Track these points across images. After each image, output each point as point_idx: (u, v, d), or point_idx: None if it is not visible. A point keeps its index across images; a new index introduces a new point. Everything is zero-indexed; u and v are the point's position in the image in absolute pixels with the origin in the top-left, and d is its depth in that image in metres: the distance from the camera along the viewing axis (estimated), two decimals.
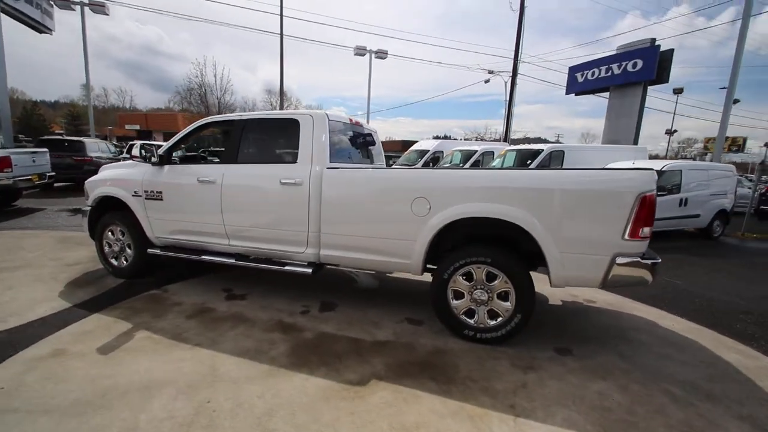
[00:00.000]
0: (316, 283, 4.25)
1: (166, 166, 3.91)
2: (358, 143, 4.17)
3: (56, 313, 3.30)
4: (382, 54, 19.67)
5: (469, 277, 2.95)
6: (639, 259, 2.56)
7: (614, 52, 20.81)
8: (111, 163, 7.52)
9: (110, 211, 4.27)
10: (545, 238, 2.67)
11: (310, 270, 3.36)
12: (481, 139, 38.59)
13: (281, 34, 18.40)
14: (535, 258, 2.97)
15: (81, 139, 11.42)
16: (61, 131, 33.97)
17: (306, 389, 2.30)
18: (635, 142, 19.22)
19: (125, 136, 35.91)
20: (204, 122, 3.91)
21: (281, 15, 18.20)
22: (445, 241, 3.09)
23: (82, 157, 10.72)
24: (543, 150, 9.81)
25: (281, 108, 21.23)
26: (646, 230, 2.54)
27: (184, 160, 4.11)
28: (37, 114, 40.51)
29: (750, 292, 4.81)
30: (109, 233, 4.26)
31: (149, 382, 2.32)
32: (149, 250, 4.06)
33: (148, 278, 4.26)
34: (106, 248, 4.30)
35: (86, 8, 15.29)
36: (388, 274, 4.77)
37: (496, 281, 2.87)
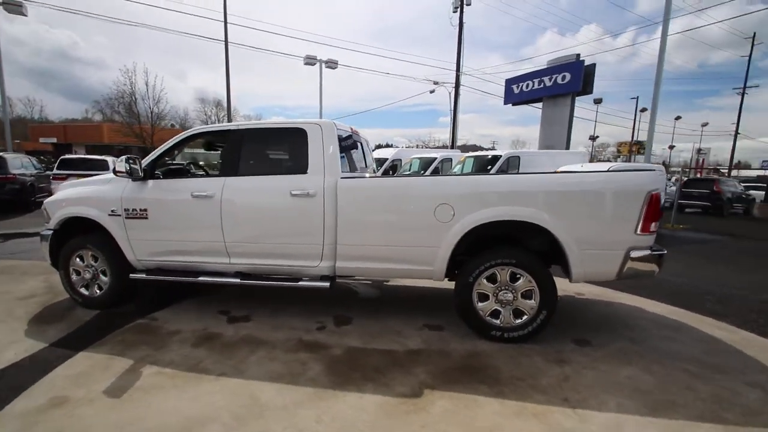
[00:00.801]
0: (320, 298, 4.09)
1: (150, 182, 3.55)
2: (356, 152, 4.12)
3: (31, 356, 2.83)
4: (332, 63, 19.62)
5: (492, 279, 3.03)
6: (650, 252, 2.81)
7: (544, 66, 22.59)
8: (50, 180, 6.66)
9: (78, 235, 3.77)
10: (566, 237, 2.83)
11: (327, 284, 3.23)
12: (426, 147, 39.91)
13: (226, 41, 17.63)
14: (549, 256, 3.14)
15: (1, 154, 9.94)
16: None
17: (364, 407, 2.20)
18: (567, 147, 21.02)
19: (38, 151, 31.88)
20: (192, 133, 3.62)
21: (225, 21, 17.45)
22: (459, 245, 3.14)
23: (4, 176, 9.34)
24: (501, 156, 10.40)
25: (229, 120, 20.21)
26: (654, 225, 2.80)
27: (169, 174, 3.76)
28: None
29: (699, 276, 5.47)
30: (77, 259, 3.75)
31: (187, 422, 2.07)
32: (132, 276, 3.63)
33: (125, 307, 3.80)
34: (74, 276, 3.78)
35: None
36: (385, 283, 4.74)
37: (519, 281, 2.98)
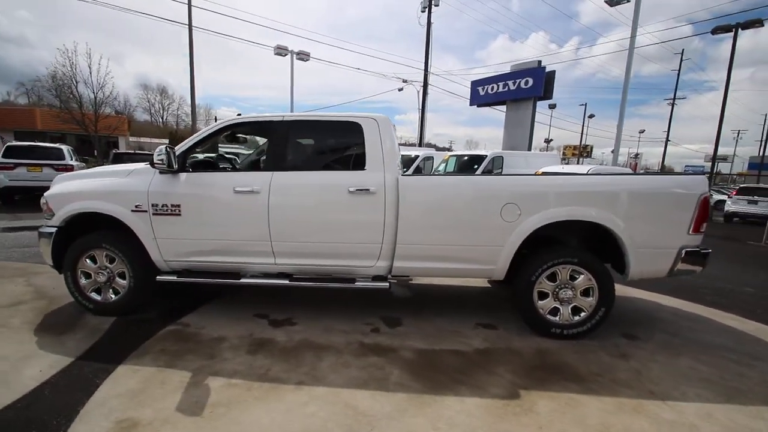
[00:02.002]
0: (355, 299, 3.95)
1: (183, 175, 3.21)
2: None
3: (61, 372, 2.46)
4: (304, 55, 19.03)
5: (552, 277, 3.09)
6: (700, 250, 3.01)
7: (508, 71, 23.48)
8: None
9: (88, 232, 3.33)
10: (627, 237, 2.96)
11: (387, 285, 3.12)
12: None
13: (190, 25, 16.47)
14: (600, 254, 3.27)
15: None
16: None
17: (470, 411, 2.15)
18: (529, 149, 22.08)
19: None
20: (233, 122, 3.32)
21: (189, 3, 16.29)
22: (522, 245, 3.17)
23: None
24: (486, 155, 10.71)
25: (192, 112, 18.89)
26: (703, 225, 3.01)
27: (199, 167, 3.43)
28: None
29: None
30: (88, 261, 3.31)
31: None
32: (159, 278, 3.28)
33: (141, 313, 3.43)
34: (83, 280, 3.34)
35: None
36: (409, 281, 4.68)
37: (578, 279, 3.07)
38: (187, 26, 16.17)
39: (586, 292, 3.09)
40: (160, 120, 58.99)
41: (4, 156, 9.10)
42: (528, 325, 3.20)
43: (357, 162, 3.16)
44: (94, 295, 3.36)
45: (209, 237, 3.20)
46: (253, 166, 4.28)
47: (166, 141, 45.40)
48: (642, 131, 52.76)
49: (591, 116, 40.72)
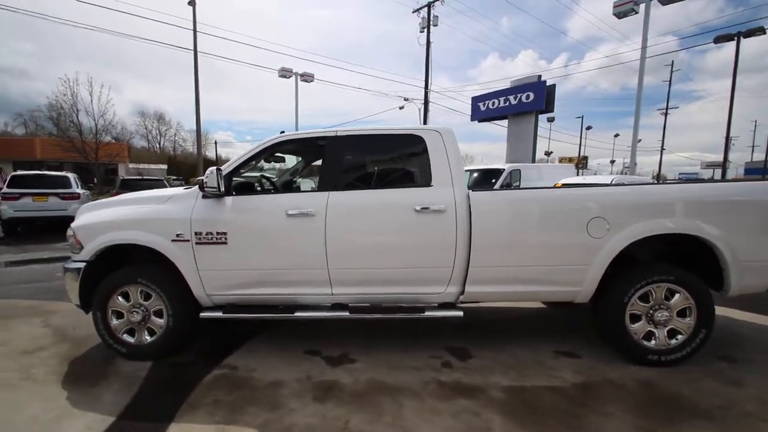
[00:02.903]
0: (411, 328, 3.59)
1: (228, 199, 2.91)
2: None
3: None
4: (308, 77, 19.08)
5: (645, 298, 2.78)
6: None
7: (509, 86, 23.65)
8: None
9: (122, 266, 3.01)
10: (728, 250, 2.66)
11: (461, 313, 2.79)
12: None
13: (195, 50, 16.49)
14: (693, 269, 2.96)
15: None
16: None
17: None
18: (533, 162, 22.04)
19: None
20: (281, 139, 3.04)
21: (194, 30, 16.35)
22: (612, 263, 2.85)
23: None
24: (504, 169, 10.52)
25: (198, 139, 18.73)
26: None
27: (243, 190, 3.14)
28: None
29: None
30: (120, 298, 2.97)
31: None
32: (203, 315, 2.93)
33: (177, 356, 3.07)
34: (114, 320, 2.98)
35: None
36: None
37: (674, 299, 2.75)
38: (186, 50, 16.18)
39: (682, 313, 2.77)
40: (158, 146, 59.09)
41: (9, 186, 8.77)
42: (619, 352, 2.86)
43: (421, 178, 2.88)
44: (127, 337, 2.99)
45: (258, 267, 2.87)
46: (287, 187, 4.01)
47: (165, 167, 45.25)
48: (639, 140, 53.22)
49: (588, 128, 41.17)
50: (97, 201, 3.30)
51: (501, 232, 2.78)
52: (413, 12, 25.17)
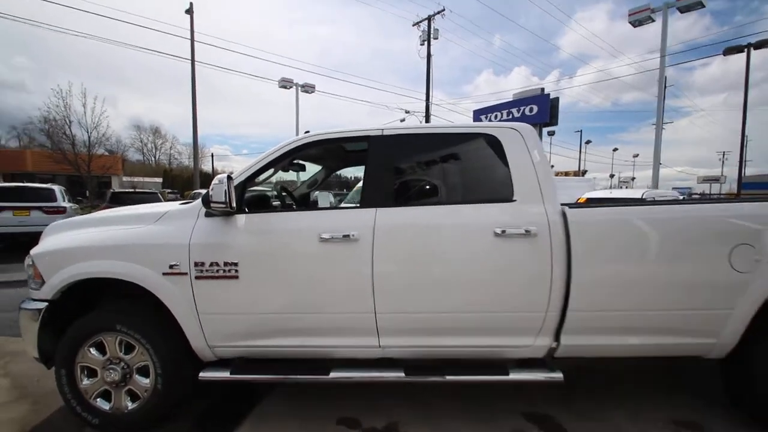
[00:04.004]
0: (471, 387, 2.82)
1: (241, 217, 2.18)
2: None
3: None
4: (309, 88, 18.57)
5: None
6: None
7: (511, 99, 23.34)
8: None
9: (94, 308, 2.26)
10: None
11: (560, 375, 2.06)
12: None
13: (192, 58, 15.95)
14: None
15: None
16: None
17: None
18: None
19: None
20: (310, 140, 2.33)
21: (192, 39, 15.85)
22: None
23: None
24: None
25: (195, 148, 18.05)
26: None
27: (260, 205, 2.42)
28: None
29: None
30: (92, 350, 2.20)
31: None
32: (203, 375, 2.16)
33: (166, 424, 2.29)
34: (85, 380, 2.21)
35: None
36: None
37: None
38: (184, 59, 15.65)
39: None
40: (153, 159, 58.44)
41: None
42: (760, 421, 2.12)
43: (500, 191, 2.18)
44: (101, 403, 2.21)
45: (280, 309, 2.13)
46: (304, 201, 3.30)
47: (160, 180, 44.45)
48: (636, 155, 53.47)
49: (588, 142, 41.06)
50: (68, 219, 2.56)
51: (610, 263, 2.07)
52: (413, 25, 25.10)
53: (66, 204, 8.99)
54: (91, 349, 2.20)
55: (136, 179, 38.94)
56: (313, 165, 3.36)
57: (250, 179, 2.28)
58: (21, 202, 8.14)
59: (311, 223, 2.16)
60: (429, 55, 25.24)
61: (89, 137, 25.27)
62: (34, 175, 26.91)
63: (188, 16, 15.81)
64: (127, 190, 12.19)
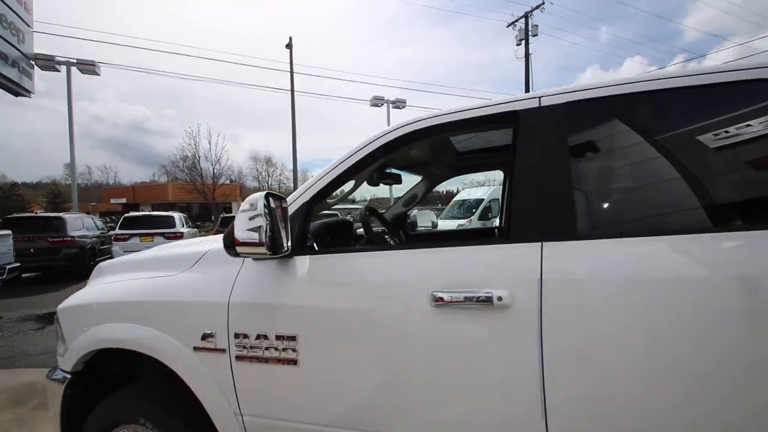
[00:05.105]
0: None
1: (304, 259, 1.34)
2: None
3: None
4: (400, 103, 18.27)
5: None
6: None
7: None
8: (102, 244, 4.89)
9: (126, 385, 1.63)
10: None
11: None
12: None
13: (292, 90, 16.90)
14: None
15: (60, 215, 8.77)
16: (41, 210, 31.13)
17: None
18: None
19: (110, 211, 33.22)
20: (418, 126, 1.38)
21: (291, 71, 16.82)
22: None
23: (60, 238, 7.96)
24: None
25: (294, 178, 19.09)
26: None
27: (334, 237, 1.58)
28: (16, 195, 37.81)
29: None
30: None
31: None
32: None
33: None
34: None
35: (74, 68, 13.37)
36: None
37: None
38: (284, 90, 16.59)
39: None
40: (266, 185, 65.69)
41: (120, 227, 9.00)
42: None
43: None
44: None
45: (371, 410, 1.21)
46: (398, 227, 2.39)
47: None
48: None
49: None
50: (115, 258, 2.05)
51: None
52: (508, 26, 23.33)
53: (184, 229, 9.72)
54: None
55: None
56: (409, 174, 2.44)
57: (319, 198, 1.44)
58: (147, 229, 8.97)
59: (413, 270, 1.21)
60: (527, 54, 23.18)
61: (213, 169, 29.01)
62: (174, 204, 31.82)
63: (288, 50, 16.86)
64: (233, 215, 13.02)
